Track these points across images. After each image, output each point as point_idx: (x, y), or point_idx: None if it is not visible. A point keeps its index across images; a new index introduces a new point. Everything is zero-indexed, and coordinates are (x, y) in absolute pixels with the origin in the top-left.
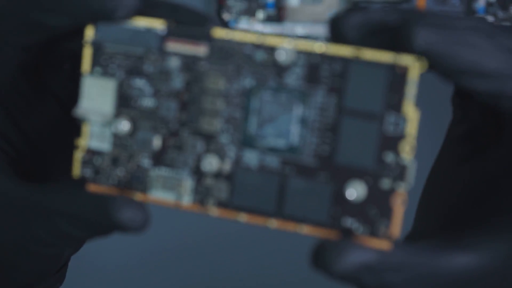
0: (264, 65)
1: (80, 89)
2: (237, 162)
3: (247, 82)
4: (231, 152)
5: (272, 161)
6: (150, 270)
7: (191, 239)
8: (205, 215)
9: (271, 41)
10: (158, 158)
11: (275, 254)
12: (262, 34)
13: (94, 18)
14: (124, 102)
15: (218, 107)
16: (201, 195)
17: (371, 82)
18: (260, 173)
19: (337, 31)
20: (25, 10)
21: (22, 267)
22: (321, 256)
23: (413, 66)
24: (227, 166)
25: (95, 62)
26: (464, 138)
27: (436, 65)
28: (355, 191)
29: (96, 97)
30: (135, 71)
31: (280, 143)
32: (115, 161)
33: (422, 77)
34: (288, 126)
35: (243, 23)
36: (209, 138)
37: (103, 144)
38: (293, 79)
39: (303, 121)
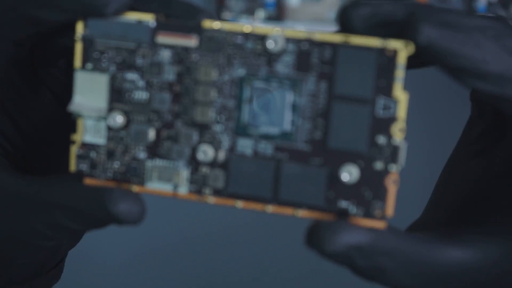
0: (254, 54)
1: (73, 85)
2: (232, 150)
3: (239, 71)
4: (226, 141)
5: (266, 148)
6: (147, 265)
7: (188, 234)
8: (201, 210)
9: (260, 30)
10: (153, 150)
11: (273, 249)
12: (251, 24)
13: (86, 13)
14: (117, 96)
15: (211, 98)
16: (198, 184)
17: (360, 67)
18: (254, 160)
19: (346, 20)
20: (17, 5)
21: (19, 260)
22: (314, 236)
23: (402, 49)
24: (222, 155)
25: (87, 57)
26: (479, 135)
27: (440, 63)
28: (348, 174)
29: (89, 92)
30: (127, 65)
31: (273, 130)
32: (110, 154)
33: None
34: (281, 113)
35: (243, 22)
36: (203, 128)
37: (98, 138)
38: (283, 66)
39: (295, 108)
